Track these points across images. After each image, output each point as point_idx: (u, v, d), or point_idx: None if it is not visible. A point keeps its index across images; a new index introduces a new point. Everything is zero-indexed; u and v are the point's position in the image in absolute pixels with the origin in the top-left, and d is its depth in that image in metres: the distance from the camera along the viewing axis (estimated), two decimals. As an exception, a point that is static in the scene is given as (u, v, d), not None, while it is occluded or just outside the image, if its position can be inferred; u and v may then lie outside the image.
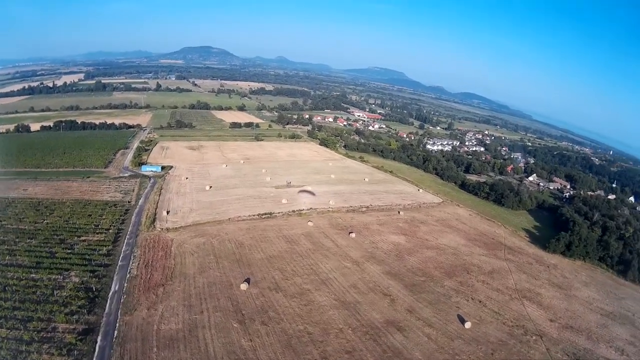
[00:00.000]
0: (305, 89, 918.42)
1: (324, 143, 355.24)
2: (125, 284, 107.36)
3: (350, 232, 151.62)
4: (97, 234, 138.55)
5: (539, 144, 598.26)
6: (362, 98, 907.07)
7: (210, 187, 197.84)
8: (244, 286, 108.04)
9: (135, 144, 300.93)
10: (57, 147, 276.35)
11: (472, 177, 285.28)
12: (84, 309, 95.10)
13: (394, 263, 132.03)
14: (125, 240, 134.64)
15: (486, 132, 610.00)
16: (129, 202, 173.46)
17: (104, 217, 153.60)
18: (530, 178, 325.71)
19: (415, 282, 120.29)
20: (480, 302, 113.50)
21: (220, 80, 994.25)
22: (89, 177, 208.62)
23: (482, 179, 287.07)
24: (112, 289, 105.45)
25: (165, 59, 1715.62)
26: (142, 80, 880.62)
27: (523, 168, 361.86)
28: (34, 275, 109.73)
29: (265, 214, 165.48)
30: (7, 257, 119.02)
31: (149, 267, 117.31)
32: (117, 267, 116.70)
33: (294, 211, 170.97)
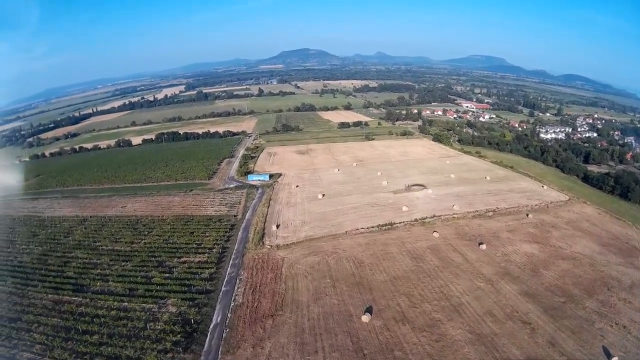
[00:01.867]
0: (409, 83, 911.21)
1: (437, 138, 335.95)
2: (229, 315, 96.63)
3: (479, 243, 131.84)
4: (199, 254, 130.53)
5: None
6: (467, 88, 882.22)
7: (323, 195, 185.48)
8: (365, 317, 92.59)
9: (241, 152, 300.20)
10: (159, 160, 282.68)
11: (593, 168, 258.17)
12: (180, 347, 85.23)
13: (530, 280, 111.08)
14: (231, 261, 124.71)
15: (596, 116, 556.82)
16: (234, 216, 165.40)
17: (207, 234, 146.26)
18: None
19: (554, 305, 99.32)
20: (624, 327, 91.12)
21: (322, 80, 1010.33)
22: (191, 190, 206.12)
23: (603, 169, 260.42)
24: (214, 321, 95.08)
25: (264, 65, 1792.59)
26: (244, 87, 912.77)
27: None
28: (126, 304, 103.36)
29: (386, 224, 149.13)
30: (98, 284, 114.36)
31: (257, 292, 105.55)
32: (220, 294, 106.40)
33: (416, 220, 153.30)
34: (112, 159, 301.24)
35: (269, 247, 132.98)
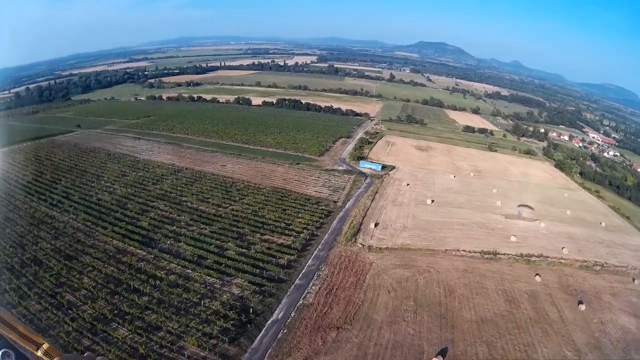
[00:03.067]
0: (540, 99, 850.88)
1: (559, 166, 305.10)
2: (293, 314, 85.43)
3: (579, 302, 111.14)
4: (285, 235, 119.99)
5: None
6: (597, 118, 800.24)
7: (432, 201, 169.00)
8: (435, 361, 77.74)
9: (359, 135, 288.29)
10: (274, 125, 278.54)
11: None
12: (227, 336, 75.32)
13: None
14: (315, 252, 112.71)
15: None
16: (335, 202, 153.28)
17: (300, 215, 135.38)
18: None
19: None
20: None
21: (455, 78, 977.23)
22: (298, 163, 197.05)
23: None
24: (274, 316, 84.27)
25: (400, 51, 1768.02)
26: (376, 69, 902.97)
27: None
28: (189, 271, 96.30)
29: (489, 252, 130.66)
30: (169, 242, 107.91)
31: (331, 295, 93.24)
32: (292, 286, 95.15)
33: (521, 255, 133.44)
34: (228, 115, 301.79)
35: (360, 246, 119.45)
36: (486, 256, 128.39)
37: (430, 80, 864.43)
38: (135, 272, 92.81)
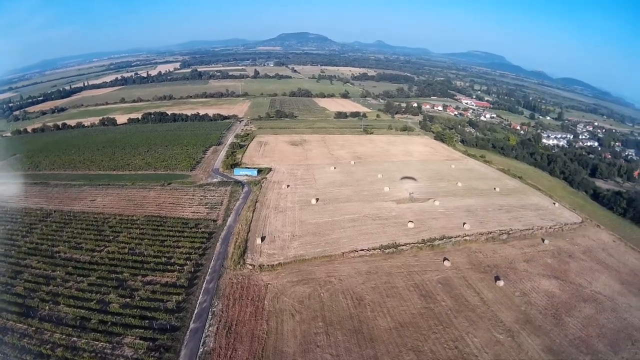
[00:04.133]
0: (407, 74, 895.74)
1: (440, 137, 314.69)
2: (195, 368, 75.54)
3: (496, 278, 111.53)
4: (168, 271, 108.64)
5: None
6: (467, 84, 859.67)
7: (317, 199, 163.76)
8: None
9: (230, 139, 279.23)
10: (141, 143, 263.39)
11: (600, 184, 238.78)
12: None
13: (553, 331, 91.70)
14: (204, 284, 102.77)
15: (596, 124, 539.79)
16: (214, 220, 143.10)
17: (180, 244, 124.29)
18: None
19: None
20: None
21: (320, 65, 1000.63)
22: (169, 183, 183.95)
23: (610, 185, 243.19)
24: (175, 377, 73.82)
25: (262, 46, 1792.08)
26: (240, 67, 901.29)
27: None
28: (75, 339, 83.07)
29: (389, 246, 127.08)
30: (47, 307, 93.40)
31: (232, 334, 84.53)
32: (188, 333, 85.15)
33: (423, 241, 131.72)
34: (94, 140, 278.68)
35: (250, 267, 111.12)
36: (387, 251, 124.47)
37: (295, 71, 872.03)
38: (20, 352, 78.60)
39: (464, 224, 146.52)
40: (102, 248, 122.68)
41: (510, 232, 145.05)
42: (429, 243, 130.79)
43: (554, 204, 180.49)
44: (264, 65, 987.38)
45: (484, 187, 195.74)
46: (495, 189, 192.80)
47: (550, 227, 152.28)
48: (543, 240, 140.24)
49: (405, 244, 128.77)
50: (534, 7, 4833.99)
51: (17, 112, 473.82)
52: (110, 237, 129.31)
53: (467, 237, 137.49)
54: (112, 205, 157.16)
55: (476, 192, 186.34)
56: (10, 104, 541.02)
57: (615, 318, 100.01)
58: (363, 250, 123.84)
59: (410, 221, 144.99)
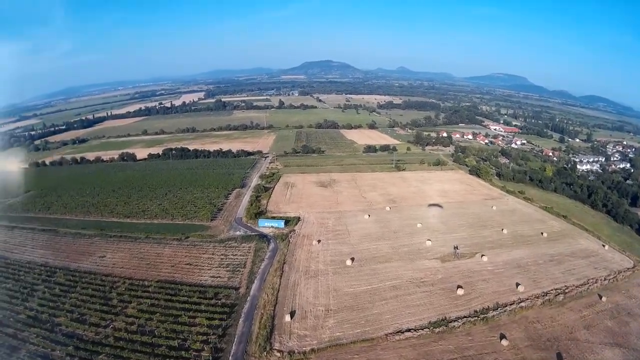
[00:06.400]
0: (433, 101, 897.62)
1: (475, 172, 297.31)
2: None
3: (558, 356, 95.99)
4: (183, 359, 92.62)
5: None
6: (493, 108, 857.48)
7: (352, 259, 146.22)
8: None
9: (254, 180, 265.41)
10: (160, 184, 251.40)
11: None
12: None
13: None
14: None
15: (625, 143, 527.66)
16: (236, 289, 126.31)
17: (196, 320, 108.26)
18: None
19: None
20: None
21: (345, 94, 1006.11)
22: (187, 237, 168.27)
23: None
24: None
25: (286, 75, 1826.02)
26: (264, 97, 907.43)
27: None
28: None
29: (439, 322, 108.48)
30: None
31: None
32: None
33: (476, 312, 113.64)
34: (110, 179, 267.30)
35: (278, 354, 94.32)
36: (437, 329, 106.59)
37: (320, 100, 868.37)
38: None
39: (517, 285, 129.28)
40: (107, 322, 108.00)
41: (566, 290, 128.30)
42: (482, 316, 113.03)
43: (604, 246, 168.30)
44: (289, 94, 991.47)
45: (530, 232, 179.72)
46: (542, 234, 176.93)
47: (604, 279, 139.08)
48: (600, 297, 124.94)
49: (456, 319, 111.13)
50: (552, 25, 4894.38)
51: (38, 142, 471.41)
52: (118, 309, 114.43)
53: (523, 304, 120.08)
54: (123, 264, 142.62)
55: (523, 240, 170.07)
56: (32, 132, 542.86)
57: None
58: (409, 331, 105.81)
59: (459, 286, 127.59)
